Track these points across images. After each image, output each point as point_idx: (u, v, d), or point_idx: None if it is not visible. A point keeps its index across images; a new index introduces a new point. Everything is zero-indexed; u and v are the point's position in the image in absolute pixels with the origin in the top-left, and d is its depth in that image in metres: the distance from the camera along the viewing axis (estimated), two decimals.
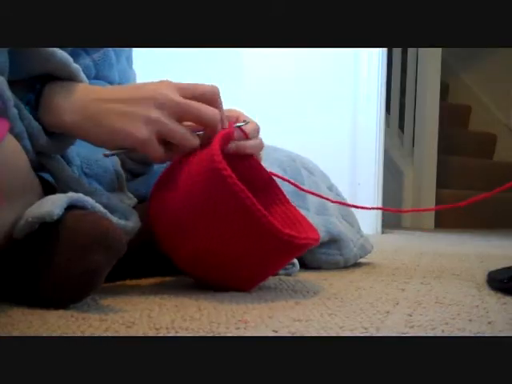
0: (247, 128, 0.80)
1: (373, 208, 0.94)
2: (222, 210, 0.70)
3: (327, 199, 0.94)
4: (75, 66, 0.71)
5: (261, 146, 0.82)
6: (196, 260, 0.75)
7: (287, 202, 0.85)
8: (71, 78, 0.70)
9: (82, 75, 0.72)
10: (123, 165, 0.85)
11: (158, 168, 0.90)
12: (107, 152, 0.73)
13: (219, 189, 0.69)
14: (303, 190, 0.90)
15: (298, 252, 0.78)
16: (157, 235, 0.76)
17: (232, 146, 0.78)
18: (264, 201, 0.83)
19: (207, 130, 0.73)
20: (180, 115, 0.70)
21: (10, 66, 0.67)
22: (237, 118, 0.80)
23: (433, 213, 3.03)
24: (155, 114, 0.68)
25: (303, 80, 2.26)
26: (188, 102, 0.70)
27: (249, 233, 0.71)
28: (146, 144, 0.69)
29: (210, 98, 0.72)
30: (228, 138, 0.76)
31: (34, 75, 0.70)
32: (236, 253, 0.73)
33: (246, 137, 0.79)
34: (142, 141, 0.69)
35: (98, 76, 0.85)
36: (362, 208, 0.91)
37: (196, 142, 0.72)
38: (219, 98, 0.74)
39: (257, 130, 0.81)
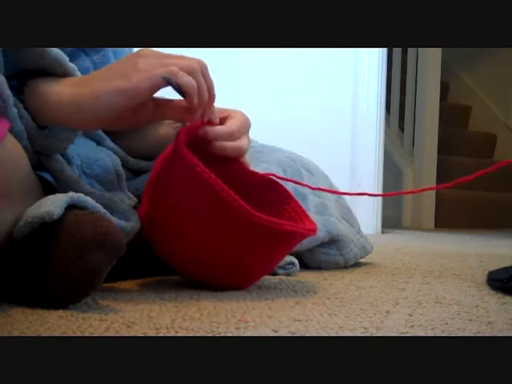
0: (231, 125, 0.76)
1: (372, 194, 0.93)
2: (195, 200, 0.70)
3: (325, 190, 0.93)
4: (71, 64, 0.70)
5: (241, 148, 0.77)
6: (186, 261, 0.75)
7: (292, 199, 0.84)
8: (66, 76, 0.70)
9: (78, 74, 0.71)
10: (125, 163, 0.85)
11: None
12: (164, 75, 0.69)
13: (188, 177, 0.69)
14: (302, 184, 0.89)
15: (286, 241, 0.75)
16: (150, 241, 0.76)
17: (200, 131, 0.74)
18: (269, 202, 0.83)
19: (186, 100, 0.70)
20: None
21: (4, 63, 0.67)
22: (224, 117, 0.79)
23: (433, 213, 3.03)
24: (142, 59, 0.68)
25: (303, 80, 2.26)
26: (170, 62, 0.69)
27: (225, 221, 0.70)
28: (150, 79, 0.67)
29: (191, 70, 0.70)
30: (193, 130, 0.74)
31: (27, 70, 0.69)
32: (219, 245, 0.72)
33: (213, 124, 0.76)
34: (135, 88, 0.66)
35: None
36: (361, 194, 0.89)
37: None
38: (199, 72, 0.70)
39: (241, 129, 0.77)
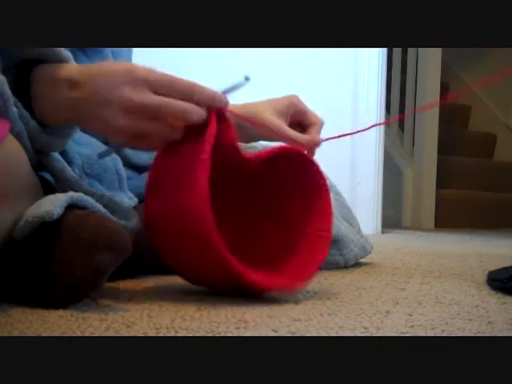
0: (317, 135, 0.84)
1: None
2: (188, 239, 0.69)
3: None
4: (66, 52, 0.69)
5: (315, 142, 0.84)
6: (186, 270, 0.75)
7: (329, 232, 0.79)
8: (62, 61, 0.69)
9: (72, 60, 0.70)
10: (127, 160, 0.85)
11: None
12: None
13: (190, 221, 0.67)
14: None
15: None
16: (153, 246, 0.76)
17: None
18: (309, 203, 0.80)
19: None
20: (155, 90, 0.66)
21: (1, 54, 0.66)
22: (304, 113, 0.88)
23: (433, 213, 3.03)
24: (132, 94, 0.65)
25: (303, 80, 2.26)
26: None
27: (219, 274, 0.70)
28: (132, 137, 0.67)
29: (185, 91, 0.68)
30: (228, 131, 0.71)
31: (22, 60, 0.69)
32: (215, 278, 0.72)
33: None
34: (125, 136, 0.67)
35: None
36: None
37: (202, 112, 0.67)
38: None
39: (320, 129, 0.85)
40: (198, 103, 0.67)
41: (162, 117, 0.66)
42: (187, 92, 0.67)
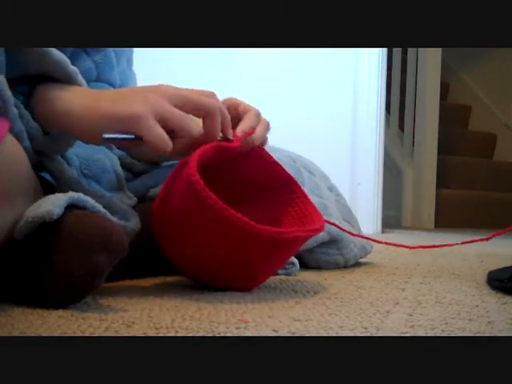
0: (248, 120, 0.79)
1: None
2: (199, 221, 0.69)
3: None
4: (73, 68, 0.70)
5: (264, 132, 0.80)
6: (193, 267, 0.75)
7: (305, 198, 0.84)
8: (68, 81, 0.70)
9: (80, 78, 0.71)
10: (123, 163, 0.85)
11: (160, 168, 0.90)
12: (107, 135, 0.67)
13: (191, 197, 0.68)
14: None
15: (289, 246, 0.75)
16: (157, 241, 0.76)
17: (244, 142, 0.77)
18: (281, 200, 0.83)
19: (207, 120, 0.71)
20: (180, 104, 0.69)
21: (6, 64, 0.67)
22: (237, 105, 0.80)
23: (433, 213, 3.03)
24: (154, 96, 0.67)
25: (303, 80, 2.26)
26: (187, 92, 0.70)
27: (229, 238, 0.69)
28: (140, 121, 0.65)
29: (208, 94, 0.72)
30: (217, 148, 0.74)
31: (29, 74, 0.69)
32: (225, 257, 0.72)
33: (251, 133, 0.78)
34: (136, 116, 0.65)
35: (99, 78, 0.85)
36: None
37: (198, 129, 0.70)
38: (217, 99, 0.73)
39: (257, 115, 0.80)
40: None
41: (195, 110, 0.70)
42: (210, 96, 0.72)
